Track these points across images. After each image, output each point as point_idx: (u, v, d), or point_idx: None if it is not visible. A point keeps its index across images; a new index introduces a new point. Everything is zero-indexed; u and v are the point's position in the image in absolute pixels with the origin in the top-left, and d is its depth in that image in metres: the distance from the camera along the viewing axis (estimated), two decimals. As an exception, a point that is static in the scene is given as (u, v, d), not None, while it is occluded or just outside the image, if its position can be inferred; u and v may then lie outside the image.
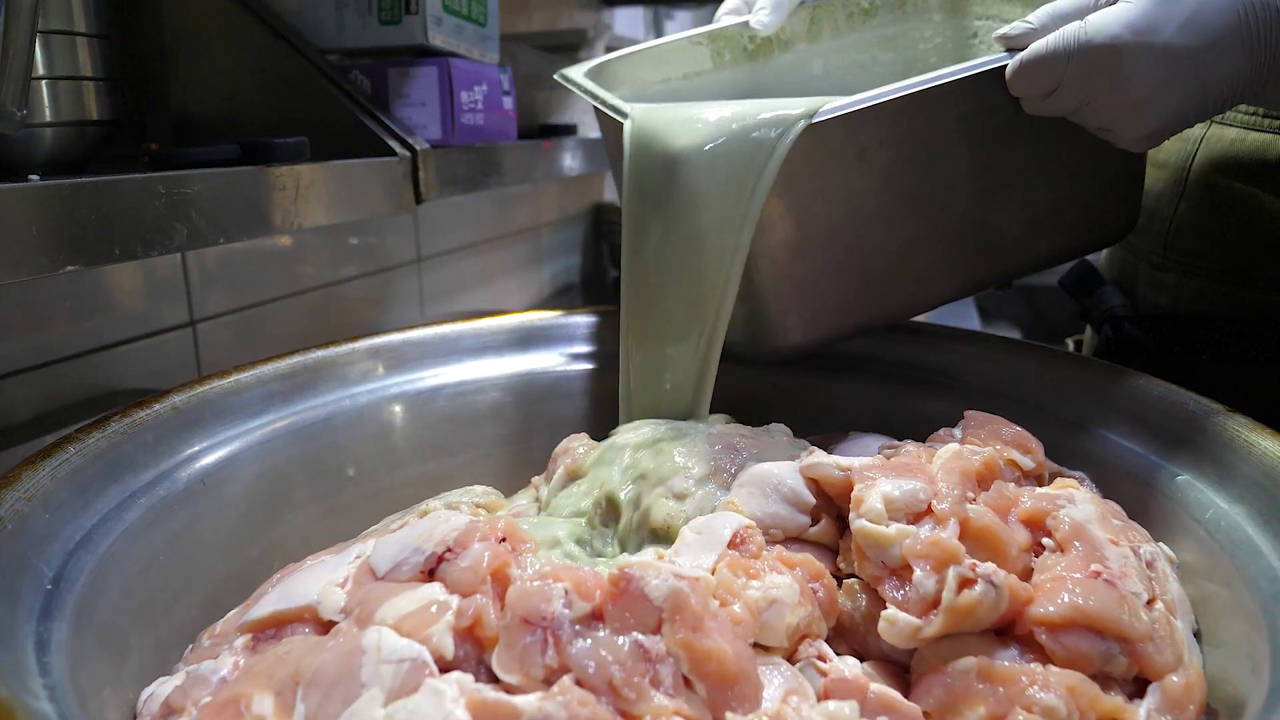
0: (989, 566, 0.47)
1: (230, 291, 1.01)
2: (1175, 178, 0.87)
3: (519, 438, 0.79)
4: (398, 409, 0.77)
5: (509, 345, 0.83)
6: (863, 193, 0.67)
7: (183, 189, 0.65)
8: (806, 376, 0.78)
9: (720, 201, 0.65)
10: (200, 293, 0.96)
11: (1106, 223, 0.80)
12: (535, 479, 0.72)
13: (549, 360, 0.83)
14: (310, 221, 0.78)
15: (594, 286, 1.90)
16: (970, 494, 0.53)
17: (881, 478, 0.52)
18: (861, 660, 0.50)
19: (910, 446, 0.60)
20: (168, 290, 0.93)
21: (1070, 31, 0.60)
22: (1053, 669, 0.45)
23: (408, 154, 0.90)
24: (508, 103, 1.08)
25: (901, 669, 0.49)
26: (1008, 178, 0.71)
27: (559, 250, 1.78)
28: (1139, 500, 0.60)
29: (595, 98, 0.75)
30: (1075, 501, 0.53)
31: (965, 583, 0.46)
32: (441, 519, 0.50)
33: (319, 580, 0.49)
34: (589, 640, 0.42)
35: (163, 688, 0.48)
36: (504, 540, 0.48)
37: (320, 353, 0.75)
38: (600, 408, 0.81)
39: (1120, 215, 0.80)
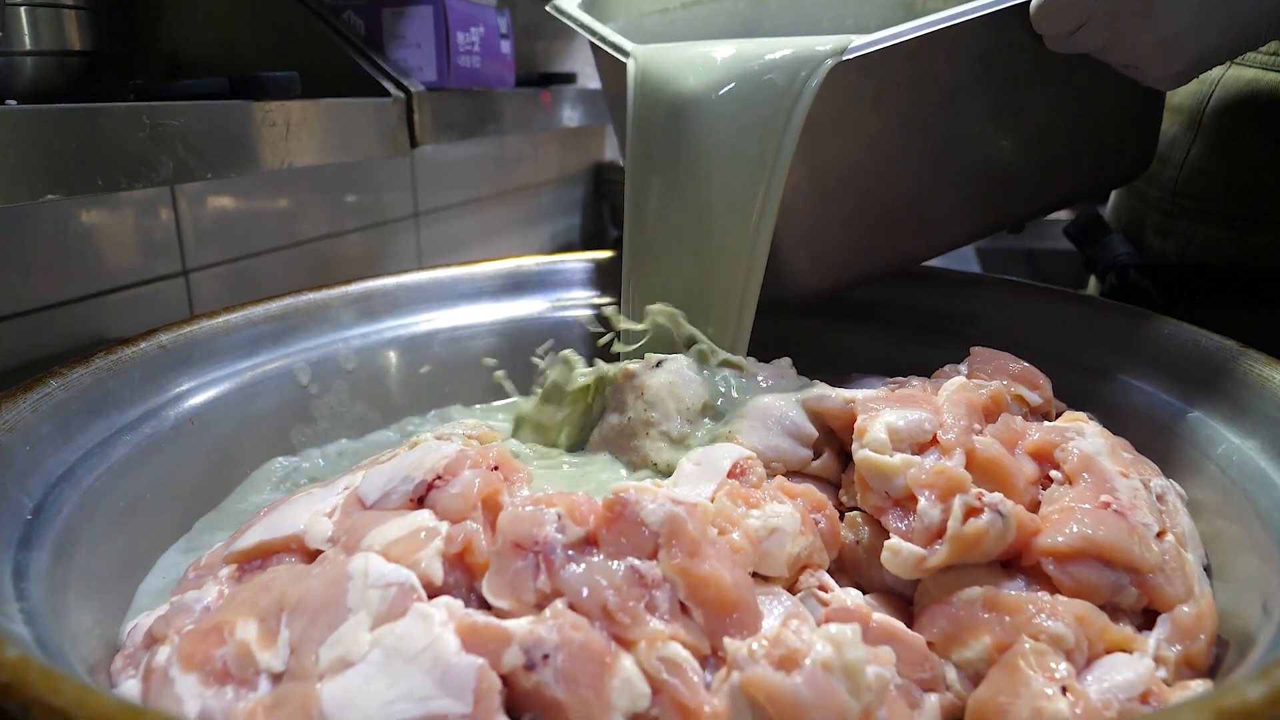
0: (996, 495, 0.46)
1: (224, 243, 0.99)
2: (1189, 120, 0.85)
3: (513, 381, 0.78)
4: (391, 354, 0.76)
5: (504, 290, 0.82)
6: (878, 134, 0.64)
7: (168, 120, 0.63)
8: (816, 323, 0.76)
9: (739, 156, 0.61)
10: (193, 244, 0.94)
11: (1122, 162, 0.78)
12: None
13: (543, 305, 0.82)
14: (301, 160, 0.76)
15: (594, 246, 1.86)
16: (977, 426, 0.51)
17: (886, 408, 0.51)
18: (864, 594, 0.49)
19: (915, 382, 0.59)
20: (160, 240, 0.91)
21: None
22: (1060, 598, 0.44)
23: (402, 95, 0.87)
24: (505, 47, 1.05)
25: (905, 602, 0.48)
26: (1025, 117, 0.69)
27: (559, 209, 1.75)
28: (1149, 437, 0.58)
29: (593, 33, 0.72)
30: (1084, 434, 0.52)
31: (971, 511, 0.45)
32: (432, 448, 0.48)
33: (306, 511, 0.48)
34: (582, 565, 0.41)
35: (147, 619, 0.46)
36: (495, 469, 0.47)
37: (312, 295, 0.74)
38: (596, 353, 0.79)
39: (1136, 154, 0.77)
